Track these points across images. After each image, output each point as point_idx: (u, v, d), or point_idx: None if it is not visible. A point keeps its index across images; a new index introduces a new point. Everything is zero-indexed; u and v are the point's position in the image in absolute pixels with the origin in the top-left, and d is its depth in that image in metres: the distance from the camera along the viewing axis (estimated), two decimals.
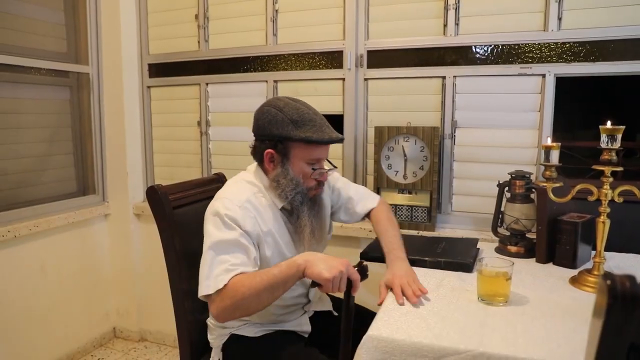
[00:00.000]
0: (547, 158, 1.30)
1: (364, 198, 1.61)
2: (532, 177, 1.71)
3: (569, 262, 1.48)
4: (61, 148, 2.54)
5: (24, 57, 2.28)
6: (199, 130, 2.54)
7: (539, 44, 1.91)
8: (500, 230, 1.77)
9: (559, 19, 1.87)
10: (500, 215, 1.75)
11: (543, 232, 1.53)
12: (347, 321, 1.21)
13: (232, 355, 1.40)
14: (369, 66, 2.17)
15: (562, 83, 1.92)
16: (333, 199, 1.57)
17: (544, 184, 1.32)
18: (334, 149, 2.24)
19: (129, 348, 2.66)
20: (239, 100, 2.45)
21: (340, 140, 1.35)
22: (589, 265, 1.42)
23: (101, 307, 2.67)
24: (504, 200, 1.74)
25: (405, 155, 2.07)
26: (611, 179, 1.27)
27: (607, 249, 1.33)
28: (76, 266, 2.50)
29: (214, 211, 1.27)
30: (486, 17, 1.98)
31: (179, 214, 1.51)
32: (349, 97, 2.20)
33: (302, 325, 1.45)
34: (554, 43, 1.89)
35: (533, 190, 1.66)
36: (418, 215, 2.08)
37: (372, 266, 1.42)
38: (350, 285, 1.17)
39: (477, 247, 1.65)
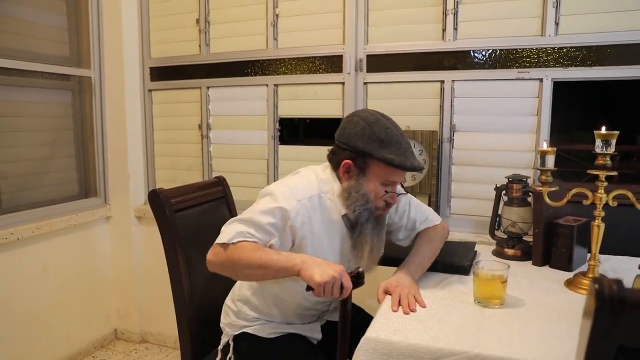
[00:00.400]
0: (542, 163, 1.32)
1: (426, 221, 1.53)
2: (530, 181, 1.73)
3: (565, 264, 1.50)
4: (63, 151, 2.57)
5: (28, 61, 2.31)
6: (200, 134, 2.56)
7: (536, 48, 1.93)
8: (498, 233, 1.79)
9: (556, 24, 1.90)
10: (498, 219, 1.77)
11: (539, 235, 1.55)
12: (343, 326, 1.22)
13: (244, 351, 1.41)
14: (368, 70, 2.20)
15: (562, 85, 1.94)
16: (394, 219, 1.52)
17: (540, 188, 1.34)
18: None
19: (130, 349, 2.68)
20: (240, 103, 2.48)
21: (420, 169, 1.35)
22: (584, 268, 1.44)
23: (102, 308, 2.69)
24: (502, 203, 1.76)
25: None
26: (605, 184, 1.28)
27: (603, 251, 1.35)
28: (78, 268, 2.53)
29: (270, 192, 1.27)
30: (484, 22, 2.00)
31: (180, 217, 1.54)
32: (348, 101, 2.22)
33: (314, 332, 1.46)
34: (551, 48, 1.91)
35: (530, 193, 1.68)
36: None
37: (381, 269, 1.43)
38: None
39: (475, 250, 1.67)
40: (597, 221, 1.32)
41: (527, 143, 1.98)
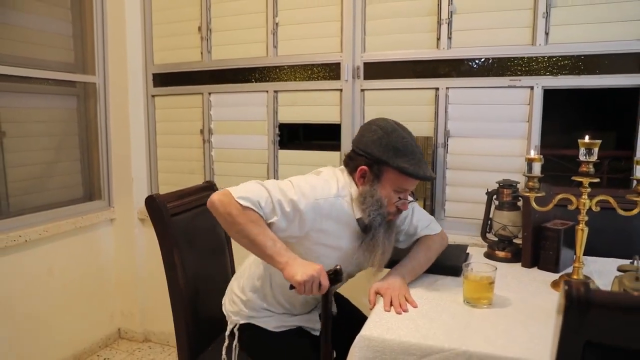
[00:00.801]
0: (529, 170, 1.39)
1: (427, 229, 1.59)
2: (520, 186, 1.79)
3: (552, 266, 1.57)
4: (68, 155, 2.64)
5: (34, 68, 2.37)
6: (202, 138, 2.63)
7: (527, 57, 2.00)
8: (489, 236, 1.86)
9: (546, 33, 1.96)
10: (489, 222, 1.84)
11: (528, 238, 1.62)
12: (325, 323, 1.31)
13: (249, 342, 1.49)
14: (366, 77, 2.26)
15: (555, 91, 2.00)
16: (397, 222, 1.57)
17: (527, 194, 1.40)
18: (334, 157, 2.34)
19: (133, 348, 2.74)
20: (241, 109, 2.54)
21: (432, 179, 1.44)
22: (570, 269, 1.50)
23: (106, 308, 2.76)
24: (493, 207, 1.83)
25: None
26: (589, 190, 1.35)
27: (589, 253, 1.42)
28: (82, 269, 2.59)
29: (296, 184, 1.34)
30: (477, 32, 2.07)
31: (176, 221, 1.60)
32: (346, 107, 2.29)
33: (313, 321, 1.53)
34: (542, 57, 1.98)
35: (520, 198, 1.74)
36: None
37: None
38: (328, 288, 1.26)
39: (467, 252, 1.74)
40: (581, 225, 1.38)
41: (518, 148, 2.05)
